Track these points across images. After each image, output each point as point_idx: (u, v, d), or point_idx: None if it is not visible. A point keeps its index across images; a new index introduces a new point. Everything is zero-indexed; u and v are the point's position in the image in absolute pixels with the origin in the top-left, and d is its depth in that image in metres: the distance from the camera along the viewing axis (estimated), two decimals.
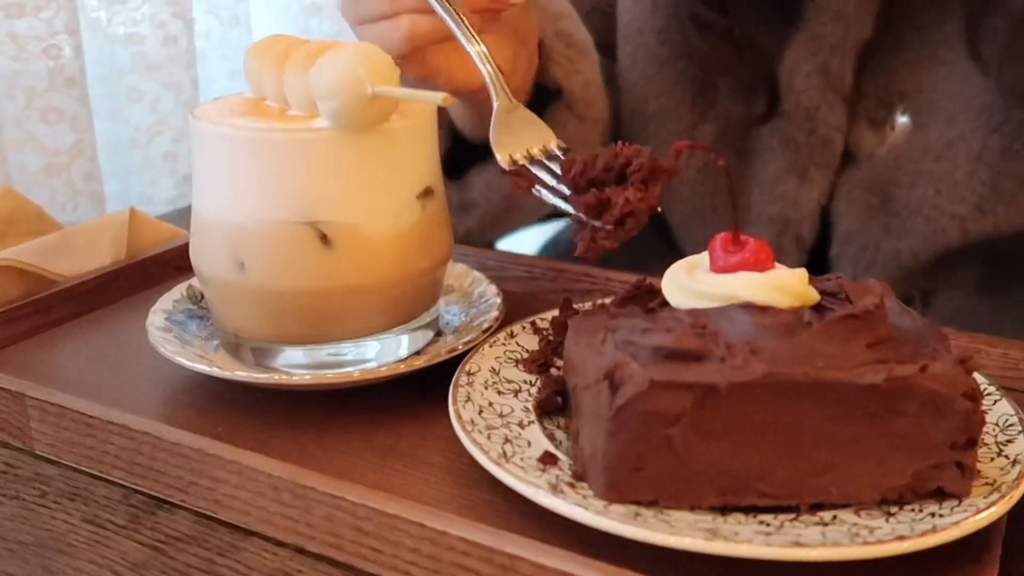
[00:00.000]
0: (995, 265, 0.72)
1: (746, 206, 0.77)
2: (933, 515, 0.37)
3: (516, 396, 0.46)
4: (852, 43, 0.71)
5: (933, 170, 0.70)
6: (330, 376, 0.48)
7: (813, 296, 0.41)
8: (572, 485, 0.39)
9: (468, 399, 0.45)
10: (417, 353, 0.51)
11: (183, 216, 0.57)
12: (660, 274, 0.44)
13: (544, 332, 0.52)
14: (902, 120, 0.71)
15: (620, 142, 0.46)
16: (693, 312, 0.41)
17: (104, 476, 0.46)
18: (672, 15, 0.77)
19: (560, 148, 0.51)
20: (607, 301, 0.50)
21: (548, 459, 0.41)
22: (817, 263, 0.74)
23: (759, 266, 0.42)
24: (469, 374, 0.47)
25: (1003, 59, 0.66)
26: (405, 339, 0.51)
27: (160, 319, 0.53)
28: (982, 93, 0.68)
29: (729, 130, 0.77)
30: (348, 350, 0.49)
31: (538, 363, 0.49)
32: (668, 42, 0.78)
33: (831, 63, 0.71)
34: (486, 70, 0.53)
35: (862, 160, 0.73)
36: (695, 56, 0.76)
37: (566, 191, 0.47)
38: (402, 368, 0.48)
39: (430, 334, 0.53)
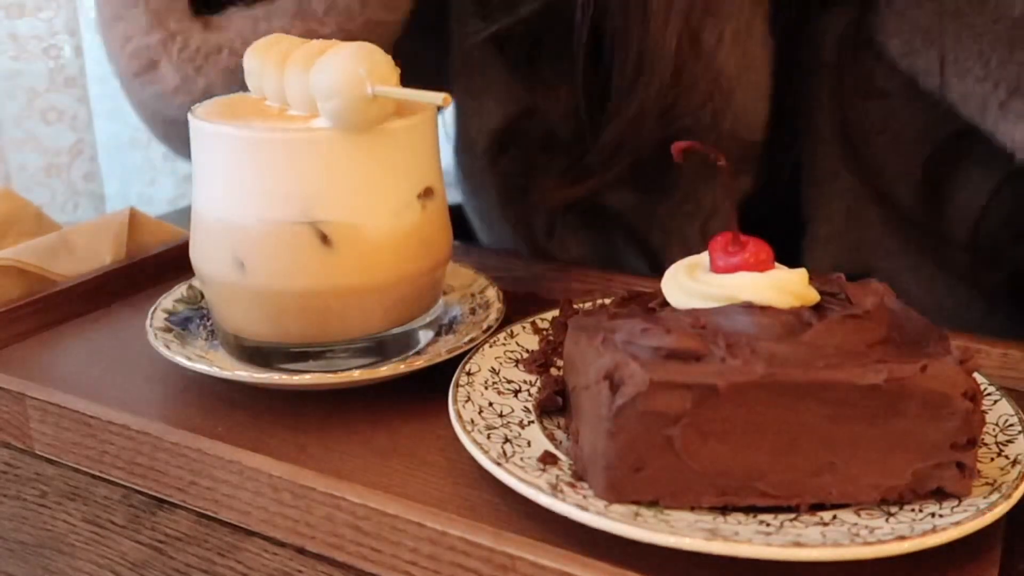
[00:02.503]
0: None
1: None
2: (933, 515, 0.37)
3: (516, 396, 0.46)
4: (729, 204, 0.66)
5: None
6: (330, 376, 0.48)
7: (813, 296, 0.41)
8: (572, 485, 0.39)
9: (468, 399, 0.45)
10: (417, 353, 0.51)
11: (183, 216, 0.57)
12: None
13: (544, 332, 0.52)
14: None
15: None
16: (693, 312, 0.41)
17: (104, 476, 0.46)
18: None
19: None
20: (607, 301, 0.50)
21: (548, 459, 0.41)
22: None
23: (759, 266, 0.42)
24: (469, 374, 0.47)
25: (962, 253, 0.62)
26: (408, 338, 0.51)
27: (160, 319, 0.53)
28: (958, 292, 0.65)
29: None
30: (348, 350, 0.49)
31: (538, 363, 0.49)
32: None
33: (710, 225, 0.66)
34: None
35: None
36: None
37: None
38: (402, 368, 0.48)
39: (430, 334, 0.53)
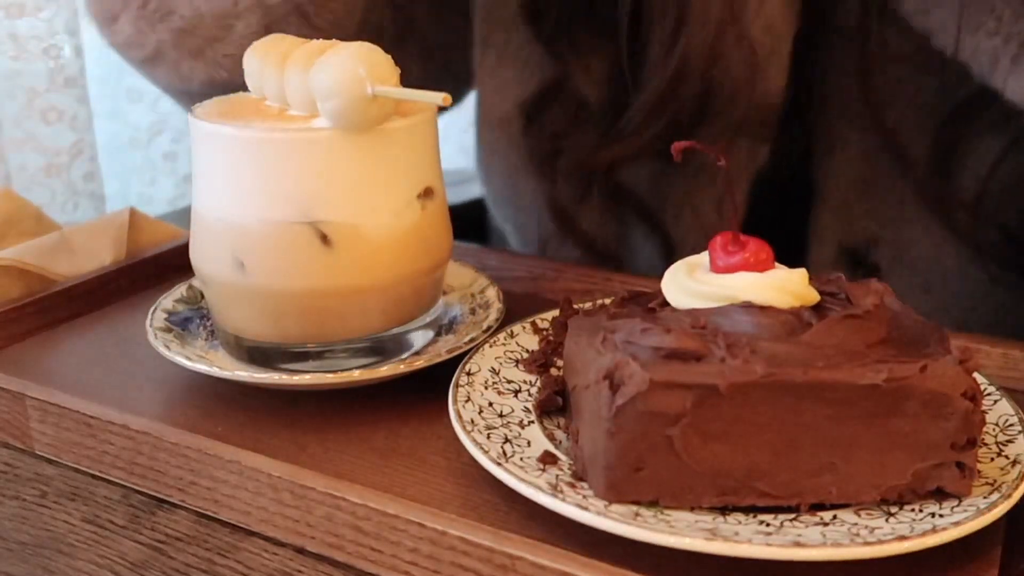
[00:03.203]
0: None
1: None
2: (933, 515, 0.37)
3: (516, 396, 0.46)
4: (743, 177, 0.67)
5: None
6: (330, 376, 0.48)
7: (813, 296, 0.41)
8: (572, 485, 0.39)
9: (468, 399, 0.45)
10: (417, 353, 0.51)
11: (183, 216, 0.57)
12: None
13: (544, 332, 0.52)
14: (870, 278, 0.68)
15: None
16: (693, 312, 0.41)
17: (104, 476, 0.46)
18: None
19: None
20: (607, 301, 0.50)
21: (548, 459, 0.41)
22: None
23: (759, 266, 0.42)
24: (469, 374, 0.47)
25: (969, 218, 0.63)
26: (406, 339, 0.51)
27: (160, 319, 0.53)
28: (962, 259, 0.65)
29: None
30: (348, 350, 0.49)
31: (538, 363, 0.49)
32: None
33: (723, 196, 0.68)
34: None
35: None
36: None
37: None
38: (402, 368, 0.48)
39: (430, 334, 0.53)
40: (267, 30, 0.61)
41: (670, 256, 0.69)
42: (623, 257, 0.74)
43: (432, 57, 0.75)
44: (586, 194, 0.72)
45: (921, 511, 0.37)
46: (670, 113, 0.65)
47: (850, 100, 0.65)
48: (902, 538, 0.35)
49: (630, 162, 0.70)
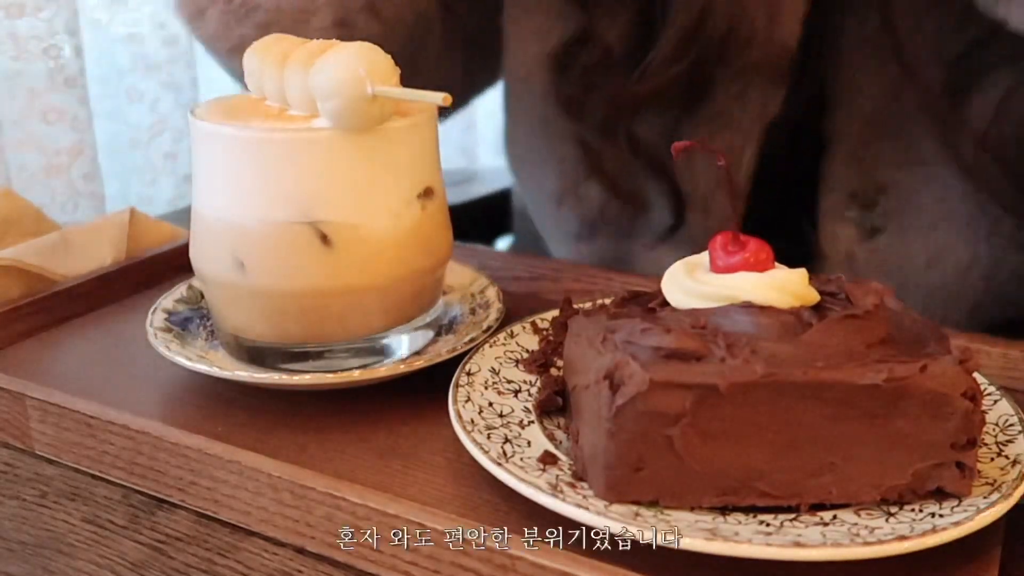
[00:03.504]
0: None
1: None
2: (933, 515, 0.37)
3: (516, 396, 0.46)
4: (757, 124, 0.69)
5: (920, 281, 0.68)
6: (330, 376, 0.48)
7: (813, 296, 0.41)
8: (572, 485, 0.39)
9: (468, 399, 0.45)
10: (417, 353, 0.51)
11: (183, 216, 0.57)
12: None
13: (544, 332, 0.52)
14: (879, 223, 0.69)
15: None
16: (693, 312, 0.41)
17: (104, 476, 0.46)
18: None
19: None
20: (607, 301, 0.50)
21: (548, 459, 0.41)
22: None
23: (759, 266, 0.42)
24: (469, 374, 0.47)
25: (979, 160, 0.64)
26: (405, 339, 0.51)
27: (160, 319, 0.53)
28: (968, 200, 0.66)
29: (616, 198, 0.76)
30: (348, 350, 0.49)
31: (538, 363, 0.49)
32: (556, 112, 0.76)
33: (735, 142, 0.69)
34: None
35: (836, 260, 0.70)
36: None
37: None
38: (402, 368, 0.48)
39: (430, 334, 0.53)
40: (339, 24, 0.66)
41: (683, 208, 0.72)
42: (648, 199, 0.75)
43: (473, 45, 0.79)
44: (612, 137, 0.74)
45: (921, 511, 0.37)
46: (692, 53, 0.67)
47: (869, 35, 0.67)
48: (902, 538, 0.35)
49: (653, 103, 0.72)
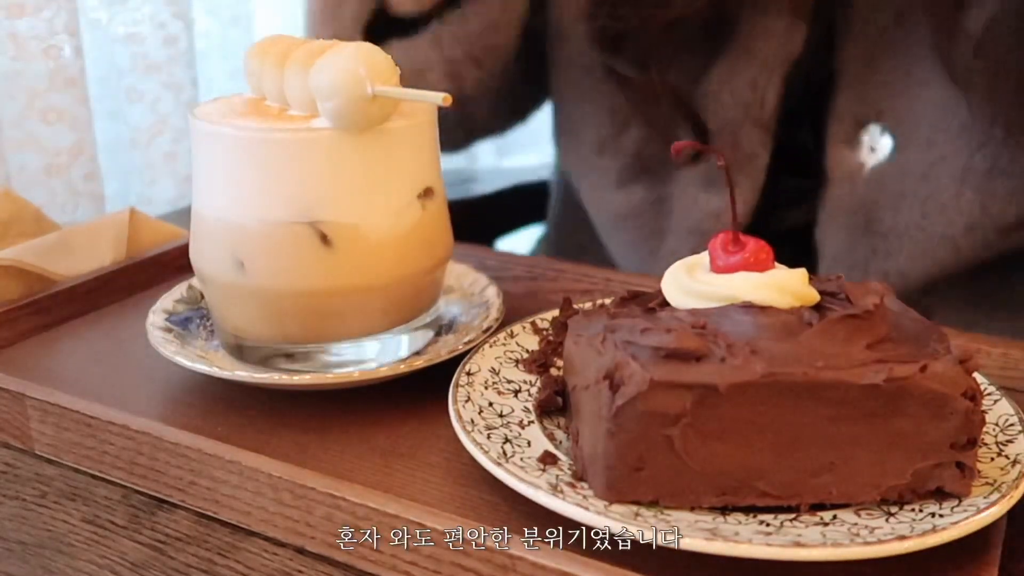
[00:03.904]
0: (988, 280, 0.73)
1: (668, 216, 0.79)
2: (933, 515, 0.37)
3: (516, 396, 0.46)
4: (779, 60, 0.72)
5: (917, 192, 0.70)
6: (330, 376, 0.48)
7: (813, 296, 0.41)
8: (572, 485, 0.39)
9: (468, 399, 0.45)
10: (417, 353, 0.51)
11: (183, 216, 0.57)
12: None
13: (544, 332, 0.52)
14: (881, 141, 0.72)
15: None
16: (693, 312, 0.41)
17: (104, 476, 0.46)
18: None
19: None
20: (607, 301, 0.50)
21: (548, 459, 0.41)
22: None
23: (759, 266, 0.42)
24: (469, 374, 0.47)
25: (972, 68, 0.67)
26: (405, 339, 0.51)
27: (160, 319, 0.53)
28: (961, 113, 0.69)
29: (653, 142, 0.80)
30: (348, 350, 0.49)
31: (538, 363, 0.49)
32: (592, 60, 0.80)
33: (759, 78, 0.73)
34: None
35: (842, 181, 0.73)
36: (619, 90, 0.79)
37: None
38: (402, 368, 0.48)
39: (430, 334, 0.53)
40: (449, 76, 0.75)
41: (706, 139, 0.76)
42: (678, 136, 0.78)
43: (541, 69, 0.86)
44: (645, 71, 0.76)
45: (921, 511, 0.37)
46: None
47: None
48: (902, 538, 0.35)
49: (681, 35, 0.75)
